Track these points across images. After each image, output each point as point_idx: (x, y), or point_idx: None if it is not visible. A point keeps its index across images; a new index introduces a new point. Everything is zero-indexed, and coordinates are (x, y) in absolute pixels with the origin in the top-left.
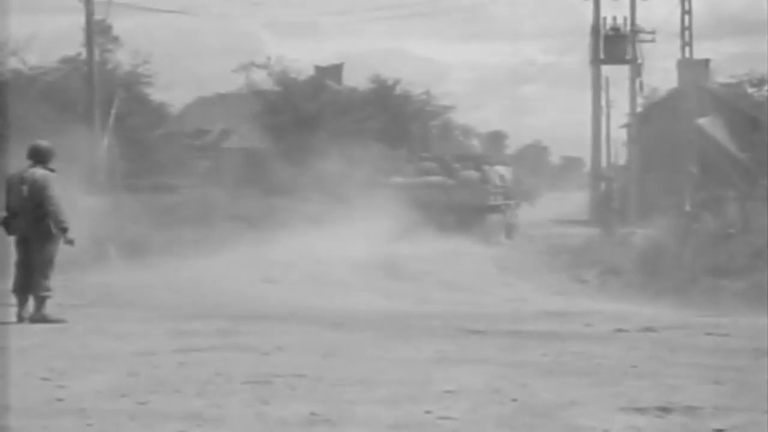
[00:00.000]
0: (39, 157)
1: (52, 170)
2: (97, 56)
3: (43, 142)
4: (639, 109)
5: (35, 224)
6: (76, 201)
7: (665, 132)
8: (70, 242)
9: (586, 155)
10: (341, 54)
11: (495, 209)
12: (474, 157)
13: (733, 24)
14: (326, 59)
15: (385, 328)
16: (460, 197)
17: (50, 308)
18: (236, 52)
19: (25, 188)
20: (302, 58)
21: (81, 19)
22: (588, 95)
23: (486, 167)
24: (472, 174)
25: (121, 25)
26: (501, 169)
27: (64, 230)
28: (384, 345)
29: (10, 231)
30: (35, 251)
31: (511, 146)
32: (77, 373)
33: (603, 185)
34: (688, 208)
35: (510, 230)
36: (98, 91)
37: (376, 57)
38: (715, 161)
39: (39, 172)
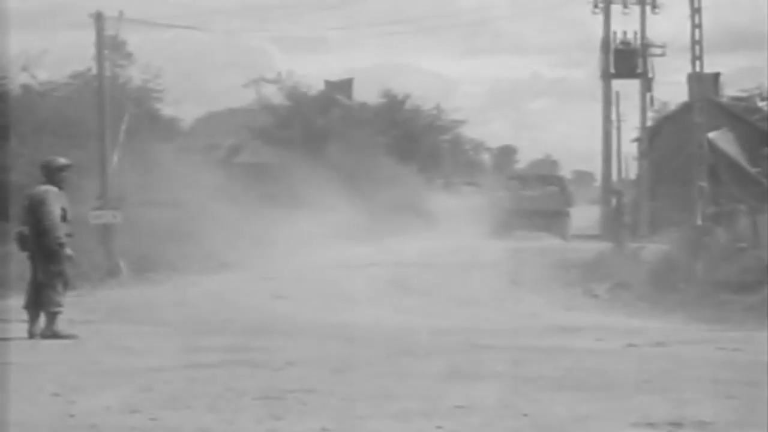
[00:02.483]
0: (47, 173)
1: (60, 187)
2: (108, 71)
3: (54, 159)
4: (649, 123)
5: (38, 240)
6: (86, 217)
7: (676, 146)
8: (69, 258)
9: (597, 169)
10: (350, 69)
11: (567, 213)
12: (549, 176)
13: (743, 38)
14: (335, 74)
15: (396, 343)
16: (545, 205)
17: (61, 324)
18: (246, 67)
19: (27, 204)
20: (311, 73)
21: (92, 35)
22: (598, 109)
23: (564, 181)
24: (554, 188)
25: (131, 40)
26: (567, 183)
27: (60, 246)
28: (395, 360)
29: (23, 247)
30: (41, 267)
31: (522, 161)
32: (88, 389)
33: (614, 199)
34: (699, 222)
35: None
36: (109, 106)
37: (385, 72)
38: (726, 175)
39: (40, 188)
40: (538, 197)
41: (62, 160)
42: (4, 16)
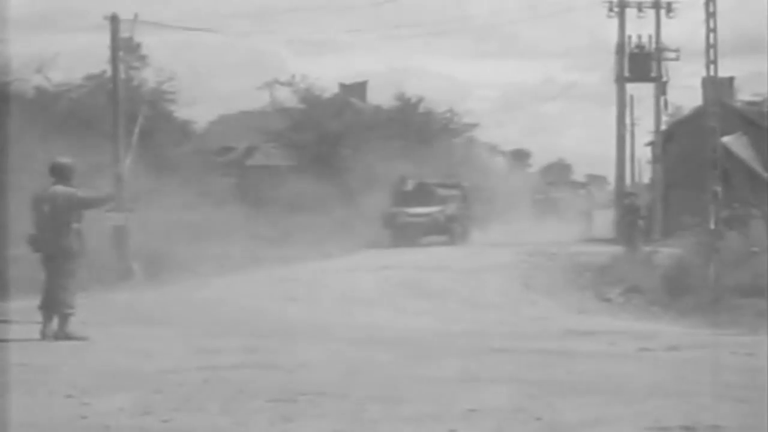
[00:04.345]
0: (60, 174)
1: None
2: (122, 74)
3: (65, 159)
4: (663, 127)
5: (58, 242)
6: (100, 219)
7: (689, 150)
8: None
9: (611, 173)
10: (362, 72)
11: (592, 212)
12: (577, 182)
13: (757, 42)
14: (347, 77)
15: (408, 346)
16: (577, 204)
17: (74, 326)
18: (259, 70)
19: (47, 206)
20: (323, 76)
21: (106, 37)
22: (611, 113)
23: (590, 187)
24: (583, 191)
25: (145, 42)
26: (592, 188)
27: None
28: (408, 363)
29: (36, 248)
30: (58, 269)
31: (535, 164)
32: (101, 391)
33: (626, 203)
34: (712, 226)
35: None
36: (123, 108)
37: (398, 75)
38: (739, 180)
39: (67, 189)
40: (569, 198)
41: (70, 161)
42: (5, 19)
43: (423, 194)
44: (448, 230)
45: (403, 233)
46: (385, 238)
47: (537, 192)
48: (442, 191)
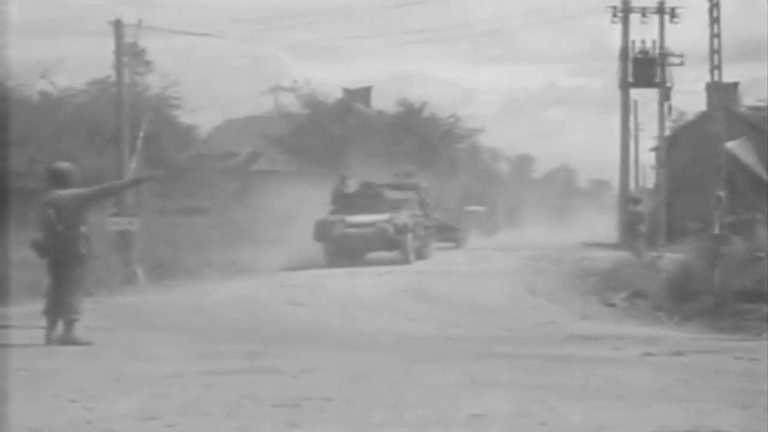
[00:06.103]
0: (59, 179)
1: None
2: (127, 79)
3: (63, 164)
4: (667, 133)
5: (64, 247)
6: (104, 224)
7: (693, 155)
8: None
9: (615, 178)
10: (366, 77)
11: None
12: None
13: (762, 47)
14: (350, 82)
15: (413, 351)
16: (585, 210)
17: (79, 330)
18: (262, 75)
19: (51, 211)
20: (328, 81)
21: (111, 43)
22: (615, 118)
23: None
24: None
25: (149, 47)
26: (600, 194)
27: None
28: (412, 368)
29: (42, 254)
30: (64, 274)
31: (539, 170)
32: (105, 396)
33: (630, 208)
34: (716, 231)
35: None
36: (127, 113)
37: (400, 80)
38: (743, 184)
39: (67, 191)
40: (579, 205)
41: (69, 165)
42: (9, 24)
43: (368, 198)
44: (397, 244)
45: (340, 248)
46: (319, 255)
47: (548, 198)
48: (392, 194)
